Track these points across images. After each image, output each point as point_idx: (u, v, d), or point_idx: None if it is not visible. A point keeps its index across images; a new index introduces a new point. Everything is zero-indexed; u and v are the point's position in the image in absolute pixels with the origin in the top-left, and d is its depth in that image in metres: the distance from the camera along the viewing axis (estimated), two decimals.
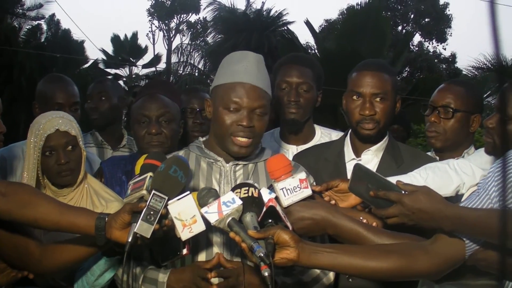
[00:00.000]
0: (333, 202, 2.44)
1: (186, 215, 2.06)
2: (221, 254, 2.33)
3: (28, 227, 2.33)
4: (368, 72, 2.84)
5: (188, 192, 2.09)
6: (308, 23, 18.72)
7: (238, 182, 2.40)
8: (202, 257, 2.39)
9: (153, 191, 2.01)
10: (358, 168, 2.29)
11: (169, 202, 2.05)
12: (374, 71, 2.84)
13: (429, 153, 3.18)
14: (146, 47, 36.04)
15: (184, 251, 2.16)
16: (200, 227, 2.07)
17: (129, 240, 1.97)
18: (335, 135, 3.37)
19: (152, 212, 1.98)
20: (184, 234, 2.07)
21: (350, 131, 2.99)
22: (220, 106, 2.41)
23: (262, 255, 1.88)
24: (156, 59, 35.16)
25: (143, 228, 1.97)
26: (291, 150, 3.32)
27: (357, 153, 2.92)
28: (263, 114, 2.42)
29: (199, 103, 3.56)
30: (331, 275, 2.48)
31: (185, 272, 2.36)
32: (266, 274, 1.88)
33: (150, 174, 2.11)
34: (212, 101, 2.48)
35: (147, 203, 1.99)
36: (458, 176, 2.53)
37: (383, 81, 2.82)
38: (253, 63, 2.41)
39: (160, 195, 2.01)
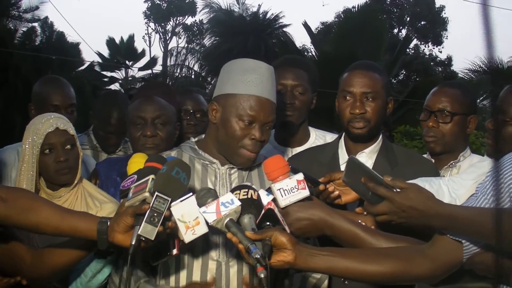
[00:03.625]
0: (336, 193, 2.47)
1: (189, 217, 2.04)
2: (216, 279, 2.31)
3: (16, 233, 2.32)
4: (358, 72, 2.86)
5: (190, 193, 2.07)
6: (306, 25, 18.76)
7: (233, 185, 2.39)
8: (198, 257, 2.36)
9: (156, 193, 2.00)
10: (352, 161, 2.26)
11: (172, 204, 2.03)
12: (364, 71, 2.86)
13: (425, 156, 3.18)
14: (143, 50, 36.17)
15: (174, 251, 2.13)
16: (203, 229, 2.06)
17: (133, 243, 1.96)
18: (330, 137, 3.35)
19: (155, 214, 1.97)
20: (187, 236, 2.05)
21: (344, 133, 2.99)
22: (234, 116, 2.37)
23: (259, 256, 1.88)
24: (152, 61, 35.23)
25: (147, 230, 1.96)
26: (286, 153, 3.31)
27: (351, 155, 2.91)
28: (271, 128, 2.43)
29: (193, 105, 3.54)
30: (326, 282, 2.47)
31: None
32: (262, 275, 1.87)
33: (152, 176, 2.09)
34: (220, 107, 2.42)
35: (151, 204, 1.98)
36: (450, 195, 2.52)
37: (373, 80, 2.84)
38: (268, 76, 2.40)
39: (163, 197, 2.00)
